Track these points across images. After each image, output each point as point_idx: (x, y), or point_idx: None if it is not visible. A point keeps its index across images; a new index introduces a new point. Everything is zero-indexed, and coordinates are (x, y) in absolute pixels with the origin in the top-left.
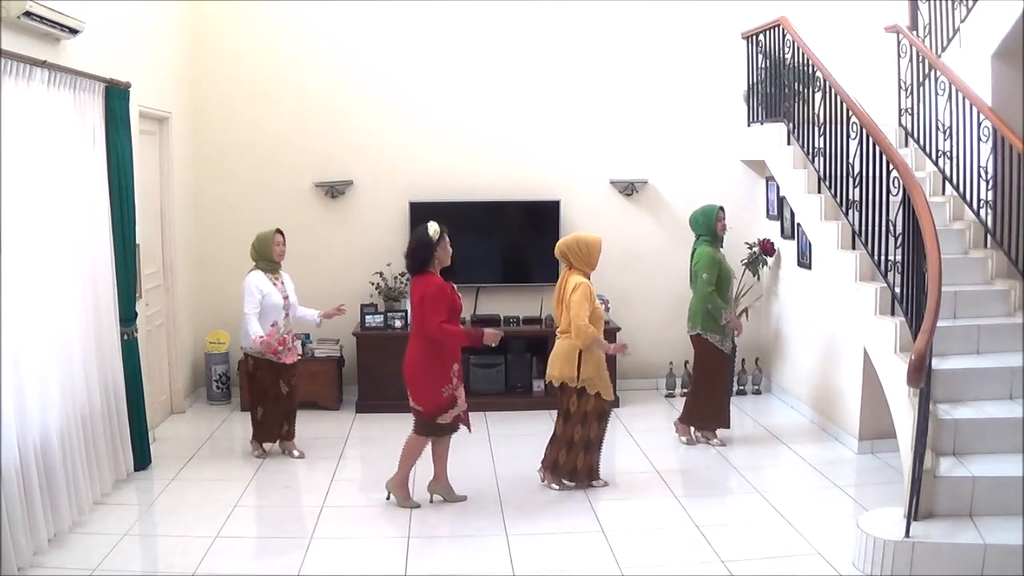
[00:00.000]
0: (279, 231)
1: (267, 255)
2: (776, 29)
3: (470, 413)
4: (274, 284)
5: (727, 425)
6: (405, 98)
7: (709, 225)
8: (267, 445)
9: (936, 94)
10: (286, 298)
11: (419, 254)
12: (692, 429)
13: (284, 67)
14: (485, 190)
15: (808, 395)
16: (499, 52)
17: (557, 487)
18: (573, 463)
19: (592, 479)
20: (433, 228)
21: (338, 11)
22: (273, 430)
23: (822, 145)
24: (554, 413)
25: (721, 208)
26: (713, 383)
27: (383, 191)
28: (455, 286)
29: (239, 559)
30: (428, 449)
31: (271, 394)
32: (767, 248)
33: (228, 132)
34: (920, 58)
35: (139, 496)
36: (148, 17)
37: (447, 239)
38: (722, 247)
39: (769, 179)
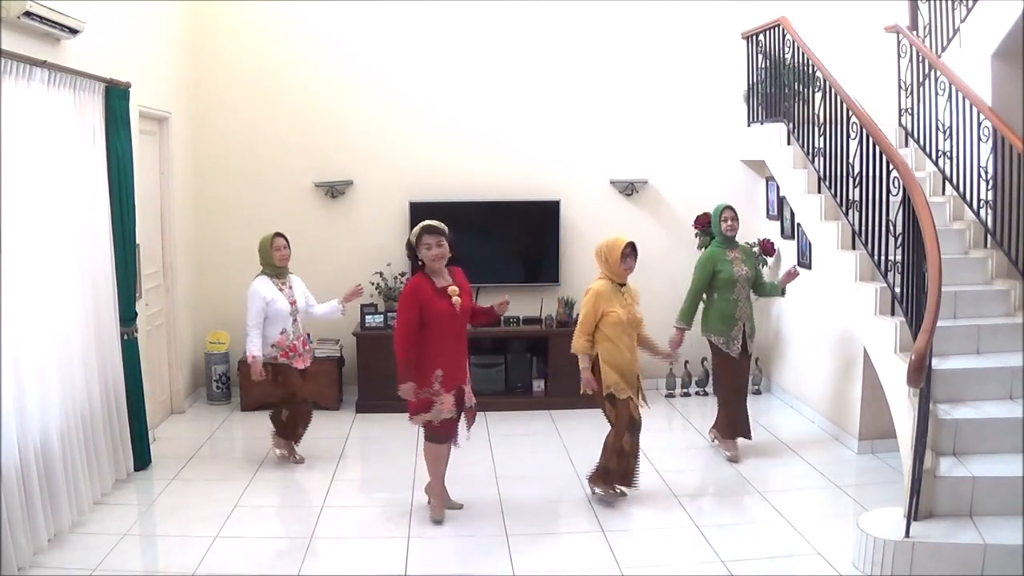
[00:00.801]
0: (278, 234)
1: (269, 260)
2: (776, 29)
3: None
4: (280, 289)
5: (735, 435)
6: (405, 98)
7: (716, 225)
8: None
9: (936, 94)
10: (293, 303)
11: (408, 255)
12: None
13: (284, 67)
14: (485, 190)
15: (808, 395)
16: (499, 52)
17: (601, 492)
18: (625, 468)
19: (609, 484)
20: (414, 230)
21: (338, 11)
22: (297, 430)
23: (822, 145)
24: (553, 413)
25: (727, 207)
26: (722, 387)
27: (383, 191)
28: (448, 288)
29: (239, 559)
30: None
31: (300, 396)
32: (767, 248)
33: (228, 132)
34: (920, 58)
35: (139, 496)
36: (148, 17)
37: (425, 238)
38: (729, 247)
39: (769, 179)
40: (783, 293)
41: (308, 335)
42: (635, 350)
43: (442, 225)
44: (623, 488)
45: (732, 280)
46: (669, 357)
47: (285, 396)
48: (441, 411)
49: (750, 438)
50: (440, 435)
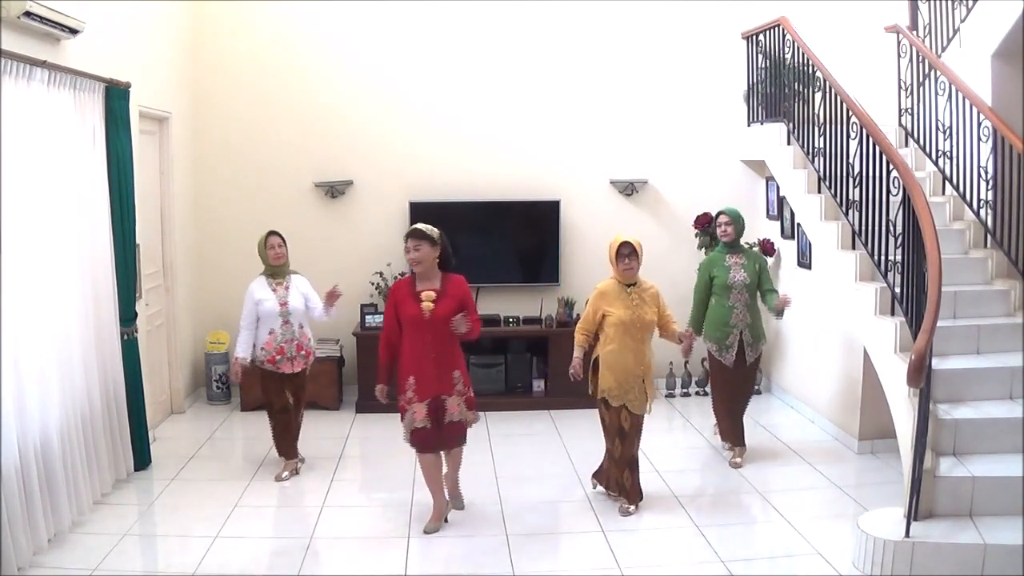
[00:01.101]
0: (272, 233)
1: (264, 260)
2: (776, 29)
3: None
4: (274, 289)
5: (731, 441)
6: (405, 98)
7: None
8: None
9: (936, 94)
10: (284, 304)
11: None
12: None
13: (284, 67)
14: (485, 190)
15: (808, 395)
16: (499, 52)
17: (603, 489)
18: (617, 477)
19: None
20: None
21: (338, 11)
22: (285, 444)
23: (822, 145)
24: (553, 413)
25: (721, 212)
26: (715, 393)
27: (383, 191)
28: (424, 292)
29: (239, 559)
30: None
31: (277, 406)
32: (767, 248)
33: (228, 132)
34: (920, 58)
35: (139, 496)
36: (148, 17)
37: (406, 242)
38: (731, 252)
39: (769, 179)
40: (780, 315)
41: (308, 338)
42: (642, 352)
43: (428, 229)
44: (629, 504)
45: (727, 286)
46: (686, 339)
47: (265, 404)
48: (413, 420)
49: (733, 443)
50: (414, 444)
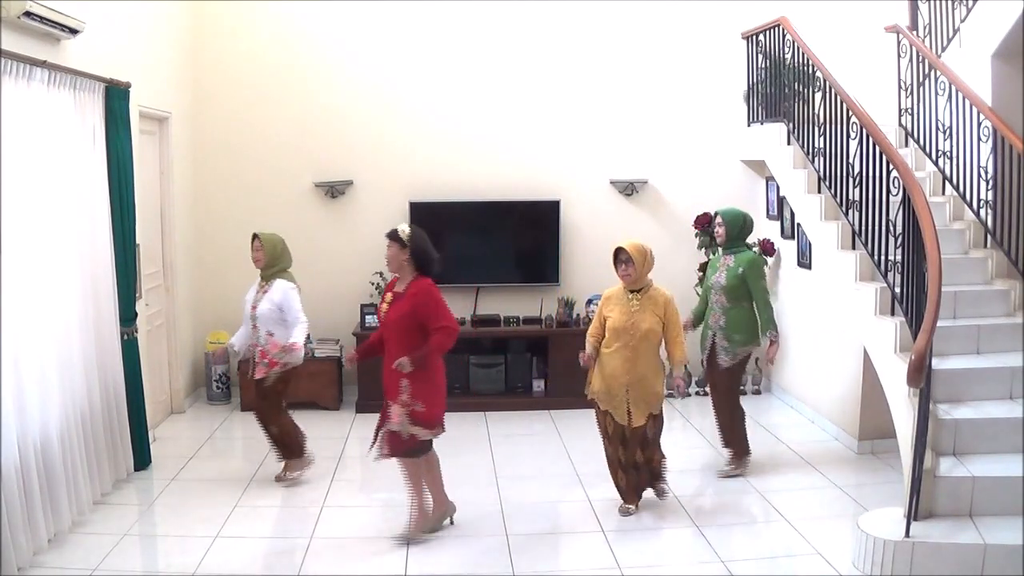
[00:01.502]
0: (253, 236)
1: None
2: (776, 29)
3: (468, 415)
4: (257, 292)
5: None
6: (405, 98)
7: None
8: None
9: (936, 94)
10: (253, 308)
11: None
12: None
13: (284, 67)
14: (485, 190)
15: (808, 395)
16: (499, 52)
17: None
18: (613, 477)
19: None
20: None
21: (338, 11)
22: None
23: (822, 145)
24: (553, 413)
25: (716, 214)
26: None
27: (383, 191)
28: (388, 293)
29: (239, 559)
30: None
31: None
32: (767, 248)
33: (228, 132)
34: (920, 58)
35: (139, 496)
36: (148, 17)
37: (387, 242)
38: (724, 253)
39: (769, 179)
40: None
41: (279, 347)
42: (634, 362)
43: (400, 230)
44: (627, 504)
45: (708, 286)
46: (676, 383)
47: None
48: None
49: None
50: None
